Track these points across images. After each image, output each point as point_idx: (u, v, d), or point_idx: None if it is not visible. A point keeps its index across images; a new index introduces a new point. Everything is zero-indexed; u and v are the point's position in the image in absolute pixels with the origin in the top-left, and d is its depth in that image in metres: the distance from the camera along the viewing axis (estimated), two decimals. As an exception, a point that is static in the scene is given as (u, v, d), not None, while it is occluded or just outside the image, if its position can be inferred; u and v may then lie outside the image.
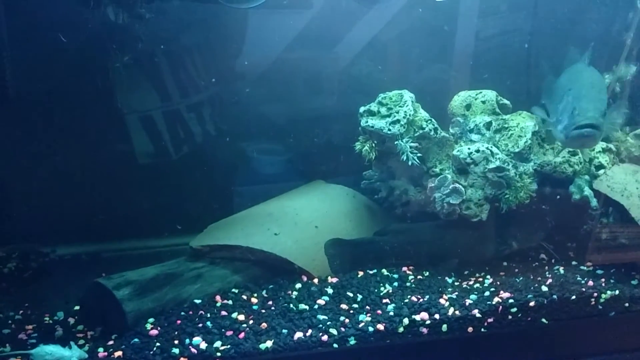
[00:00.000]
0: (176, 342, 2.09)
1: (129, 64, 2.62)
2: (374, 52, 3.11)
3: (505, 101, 2.72)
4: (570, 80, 2.40)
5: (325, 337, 2.13)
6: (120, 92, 2.72)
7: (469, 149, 2.48)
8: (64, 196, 2.77)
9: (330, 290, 2.40)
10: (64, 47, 2.56)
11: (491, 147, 2.49)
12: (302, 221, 2.62)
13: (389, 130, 2.49)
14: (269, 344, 2.10)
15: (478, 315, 2.25)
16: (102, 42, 2.62)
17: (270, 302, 2.34)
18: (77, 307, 2.36)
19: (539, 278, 2.52)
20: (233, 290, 2.41)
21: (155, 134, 2.85)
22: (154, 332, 2.13)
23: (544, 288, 2.40)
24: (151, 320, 2.19)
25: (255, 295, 2.39)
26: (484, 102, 2.66)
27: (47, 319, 2.33)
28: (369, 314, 2.24)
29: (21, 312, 2.38)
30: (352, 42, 3.09)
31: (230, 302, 2.34)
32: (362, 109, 2.59)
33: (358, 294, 2.37)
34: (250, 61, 2.96)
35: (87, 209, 2.77)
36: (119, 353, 2.04)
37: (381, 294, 2.38)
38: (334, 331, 2.16)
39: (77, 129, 2.70)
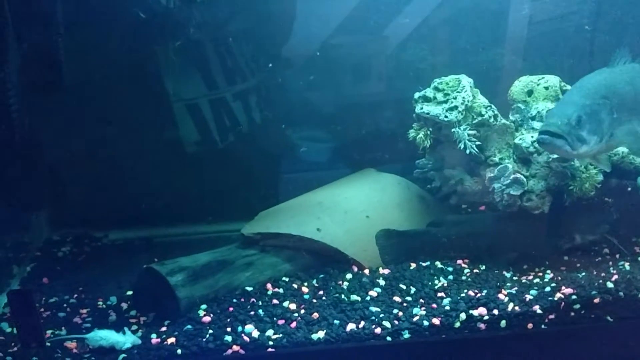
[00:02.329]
0: (229, 329, 2.08)
1: (181, 49, 2.61)
2: (426, 36, 3.01)
3: (569, 87, 2.58)
4: None
5: (378, 330, 2.08)
6: (171, 79, 2.72)
7: (532, 137, 2.36)
8: (116, 182, 2.80)
9: (382, 282, 2.34)
10: (115, 33, 2.57)
11: (555, 136, 2.37)
12: (353, 210, 2.57)
13: (446, 117, 2.39)
14: (321, 334, 2.06)
15: (539, 311, 2.16)
16: (153, 28, 2.62)
17: (321, 292, 2.30)
18: (129, 292, 2.38)
19: (603, 274, 2.39)
20: (284, 278, 2.38)
21: (205, 121, 2.84)
22: (207, 318, 2.12)
23: (609, 284, 2.27)
24: (204, 306, 2.19)
25: (306, 284, 2.36)
26: (546, 88, 2.52)
27: (100, 303, 2.36)
28: (423, 308, 2.18)
29: (75, 295, 2.42)
30: (402, 26, 3.00)
31: (281, 290, 2.31)
32: (416, 95, 2.50)
33: (411, 287, 2.31)
34: (300, 47, 2.91)
35: (138, 194, 2.80)
36: (172, 339, 2.04)
37: (436, 287, 2.30)
38: (387, 324, 2.10)
39: (129, 116, 2.71)
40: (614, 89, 2.06)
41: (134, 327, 2.15)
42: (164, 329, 2.12)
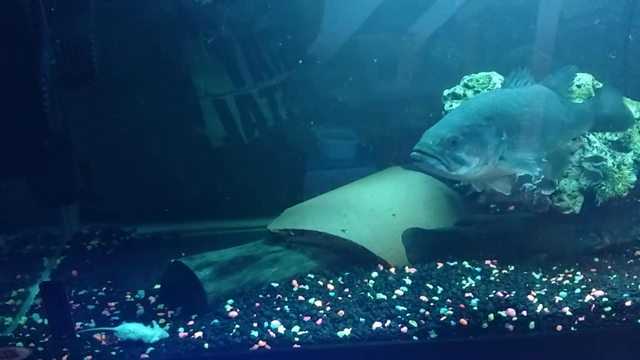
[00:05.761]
0: (255, 324, 2.09)
1: (212, 45, 2.62)
2: (454, 33, 2.98)
3: (601, 85, 2.52)
4: None
5: (404, 329, 2.07)
6: (201, 76, 2.73)
7: (563, 136, 2.32)
8: (144, 177, 2.83)
9: (408, 281, 2.32)
10: (145, 29, 2.60)
11: (588, 135, 2.32)
12: (379, 208, 2.55)
13: (476, 115, 2.36)
14: (346, 332, 2.06)
15: (569, 313, 2.12)
16: (183, 24, 2.64)
17: (346, 290, 2.30)
18: (157, 286, 2.40)
19: (635, 276, 2.34)
20: (309, 275, 2.38)
21: (233, 117, 2.85)
22: (234, 313, 2.14)
23: (642, 288, 2.23)
24: (230, 301, 2.20)
25: (332, 281, 2.35)
26: (579, 86, 2.47)
27: (128, 296, 2.39)
28: (450, 308, 2.15)
29: (104, 288, 2.46)
30: (429, 23, 2.97)
31: (306, 287, 2.31)
32: (446, 92, 2.48)
33: (438, 286, 2.29)
34: (327, 44, 2.90)
35: (166, 190, 2.83)
36: (199, 334, 2.05)
37: (463, 287, 2.28)
38: (413, 323, 2.09)
39: (159, 112, 2.74)
40: (504, 110, 1.96)
41: (162, 321, 2.17)
42: (191, 323, 2.14)
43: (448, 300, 2.20)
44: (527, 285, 2.27)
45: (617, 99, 2.24)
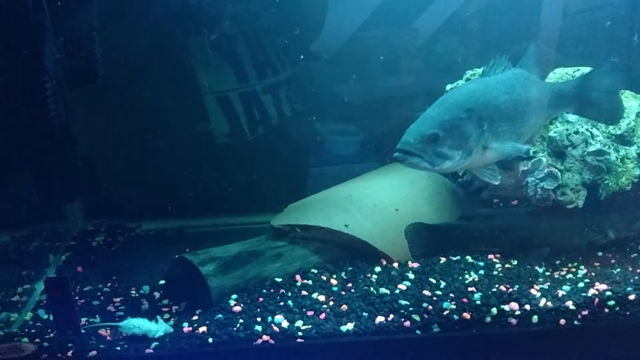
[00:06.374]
0: (259, 319, 2.10)
1: (216, 41, 2.63)
2: (457, 28, 2.97)
3: (604, 78, 2.52)
4: None
5: (407, 323, 2.08)
6: (204, 72, 2.74)
7: (566, 130, 2.31)
8: (148, 173, 2.85)
9: (411, 276, 2.33)
10: (149, 25, 2.61)
11: (591, 128, 2.31)
12: (382, 203, 2.56)
13: (478, 109, 2.36)
14: (350, 326, 2.07)
15: (572, 307, 2.12)
16: (187, 20, 2.65)
17: (349, 284, 2.31)
18: (162, 282, 2.42)
19: (639, 270, 2.34)
20: (312, 270, 2.39)
21: (236, 114, 2.86)
22: (237, 308, 2.15)
23: (646, 281, 2.23)
24: (234, 296, 2.22)
25: (335, 276, 2.36)
26: (581, 80, 2.47)
27: (133, 292, 2.41)
28: (453, 302, 2.16)
29: (109, 284, 2.47)
30: (432, 18, 2.96)
31: (310, 282, 2.32)
32: (448, 87, 2.48)
33: (441, 281, 2.29)
34: (330, 40, 2.90)
35: (170, 186, 2.84)
36: (203, 328, 2.07)
37: (466, 281, 2.28)
38: (416, 317, 2.09)
39: (163, 108, 2.75)
40: (485, 99, 1.95)
41: (166, 316, 2.19)
42: (195, 318, 2.16)
43: (451, 294, 2.21)
44: (530, 279, 2.27)
45: (610, 87, 2.17)
